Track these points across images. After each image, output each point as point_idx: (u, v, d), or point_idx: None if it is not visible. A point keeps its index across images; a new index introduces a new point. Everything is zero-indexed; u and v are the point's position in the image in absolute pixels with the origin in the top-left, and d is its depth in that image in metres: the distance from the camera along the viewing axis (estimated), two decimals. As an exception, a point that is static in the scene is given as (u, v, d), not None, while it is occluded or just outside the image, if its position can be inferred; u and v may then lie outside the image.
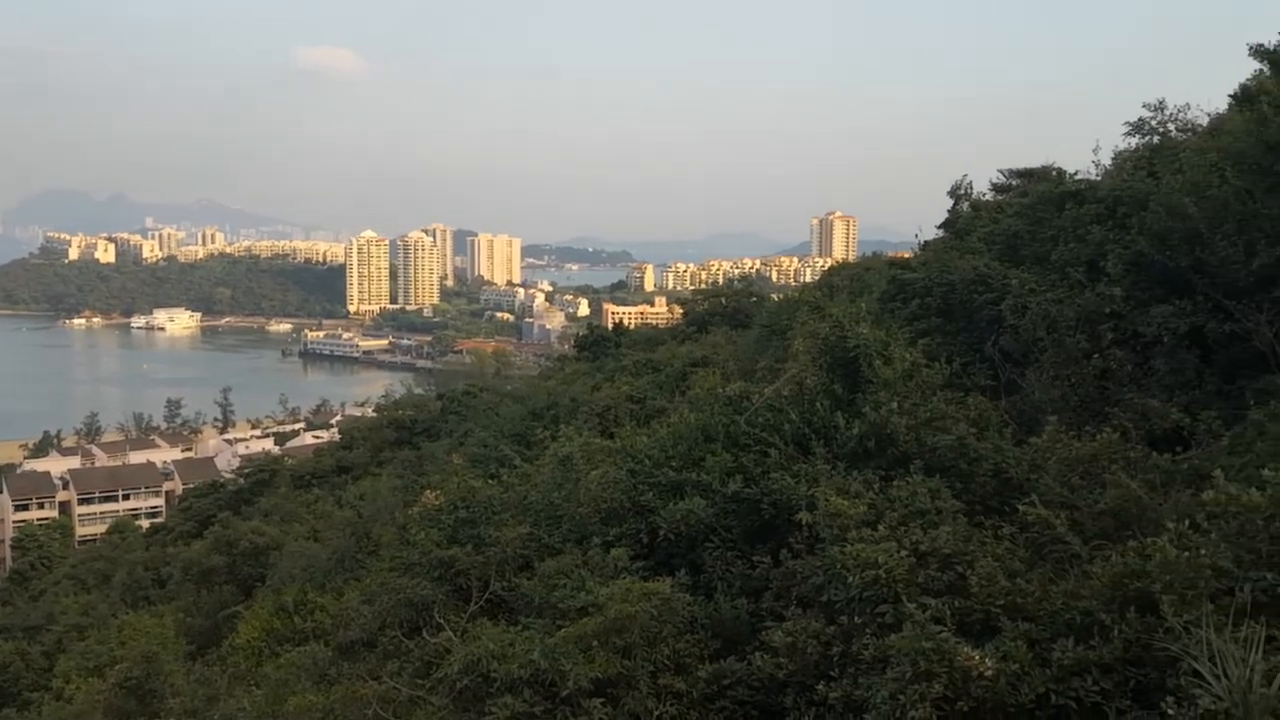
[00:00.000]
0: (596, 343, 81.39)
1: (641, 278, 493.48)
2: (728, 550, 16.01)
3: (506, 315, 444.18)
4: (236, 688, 24.52)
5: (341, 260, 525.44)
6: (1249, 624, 9.92)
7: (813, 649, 12.91)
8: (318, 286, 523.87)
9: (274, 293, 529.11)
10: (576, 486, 18.92)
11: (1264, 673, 9.36)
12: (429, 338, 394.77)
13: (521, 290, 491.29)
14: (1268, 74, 26.42)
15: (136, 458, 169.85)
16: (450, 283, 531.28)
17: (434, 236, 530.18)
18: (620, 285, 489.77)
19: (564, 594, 15.69)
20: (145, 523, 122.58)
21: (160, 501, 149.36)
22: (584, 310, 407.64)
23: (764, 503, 16.03)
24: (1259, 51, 24.48)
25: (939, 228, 38.61)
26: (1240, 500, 12.70)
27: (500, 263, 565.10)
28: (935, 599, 12.31)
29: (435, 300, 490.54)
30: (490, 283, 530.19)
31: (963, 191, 37.52)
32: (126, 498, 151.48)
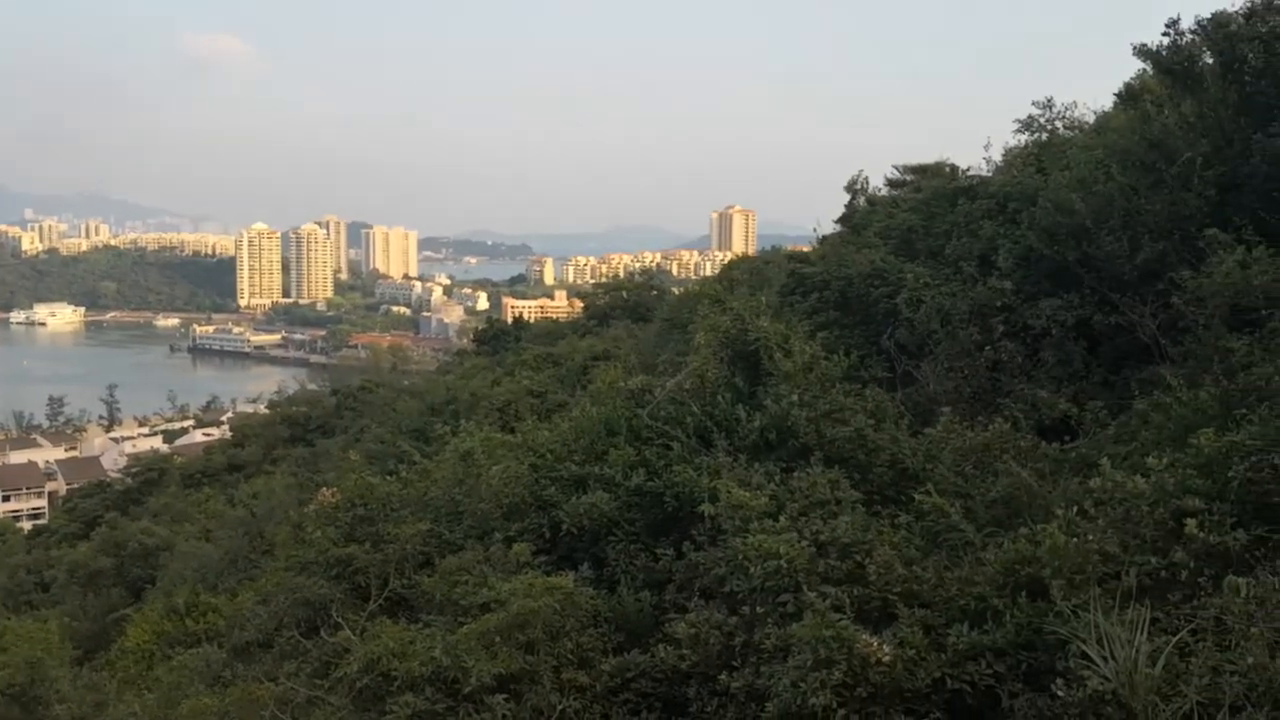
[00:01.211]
0: (496, 337, 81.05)
1: (541, 271, 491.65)
2: (631, 543, 16.03)
3: (403, 309, 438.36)
4: (126, 692, 23.82)
5: (231, 253, 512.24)
6: (1134, 607, 10.23)
7: (715, 640, 12.99)
8: (207, 280, 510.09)
9: (161, 286, 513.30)
10: (477, 482, 18.77)
11: (1149, 654, 9.66)
12: (323, 332, 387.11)
13: (419, 284, 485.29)
14: (1150, 73, 27.32)
15: (17, 458, 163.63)
16: (345, 276, 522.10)
17: (327, 229, 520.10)
18: (520, 279, 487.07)
19: (465, 591, 15.54)
20: (27, 524, 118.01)
21: (43, 502, 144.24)
22: (483, 304, 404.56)
23: (667, 495, 16.08)
24: (1142, 51, 25.27)
25: (836, 222, 39.21)
26: (1125, 487, 13.14)
27: (396, 256, 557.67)
28: (835, 588, 12.49)
29: (329, 294, 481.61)
30: (386, 276, 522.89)
31: (859, 187, 38.17)
32: (7, 499, 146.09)
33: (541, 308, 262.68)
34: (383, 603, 17.37)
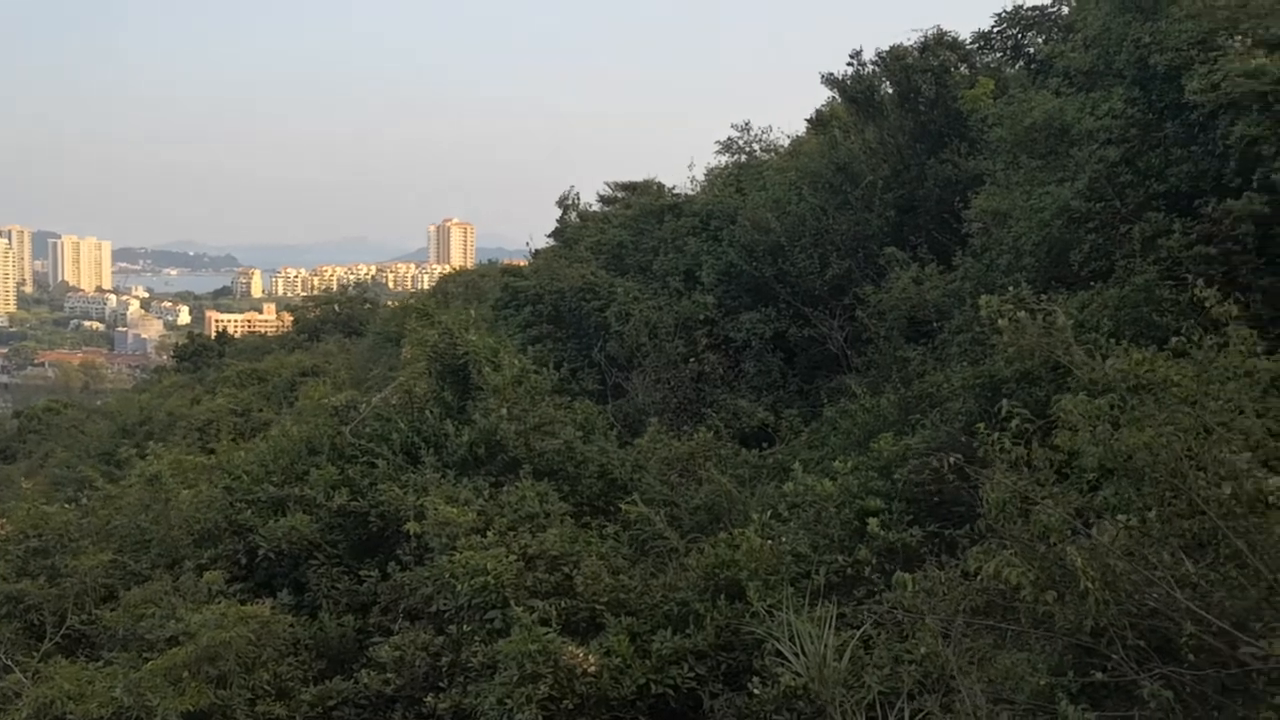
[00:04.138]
0: (198, 352, 76.62)
1: (249, 284, 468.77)
2: (334, 566, 15.45)
3: (96, 324, 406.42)
4: None
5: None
6: (823, 603, 10.71)
7: (421, 661, 12.73)
8: None
9: None
10: (166, 507, 17.58)
11: (836, 648, 10.13)
12: (4, 350, 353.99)
13: (114, 297, 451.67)
14: (838, 100, 29.15)
15: None
16: (29, 289, 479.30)
17: (9, 238, 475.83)
18: (225, 291, 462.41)
19: (152, 623, 14.48)
20: None
21: None
22: (185, 318, 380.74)
23: (372, 515, 15.62)
24: (829, 80, 26.95)
25: (549, 236, 39.56)
26: (815, 490, 13.89)
27: (88, 267, 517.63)
28: (543, 601, 12.51)
29: (12, 308, 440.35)
30: (77, 289, 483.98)
31: (570, 202, 38.65)
32: None
33: (249, 322, 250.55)
34: (59, 641, 15.94)
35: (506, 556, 13.00)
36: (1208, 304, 8.05)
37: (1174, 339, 8.16)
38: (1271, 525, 6.55)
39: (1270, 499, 6.55)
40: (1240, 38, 13.45)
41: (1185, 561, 7.08)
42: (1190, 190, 13.76)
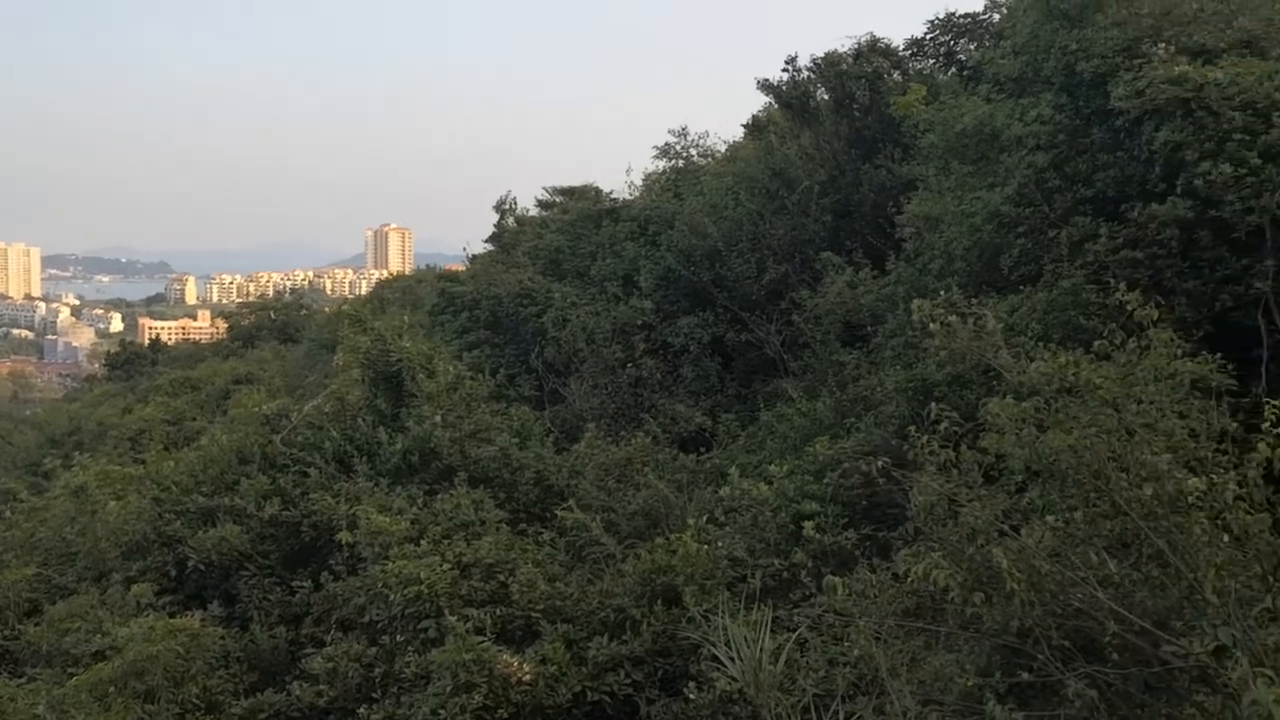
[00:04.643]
0: (130, 360, 75.17)
1: (183, 290, 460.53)
2: (265, 577, 15.25)
3: (25, 332, 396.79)
4: None
5: None
6: (759, 607, 10.70)
7: (354, 672, 12.60)
8: None
9: None
10: (93, 519, 17.22)
11: (771, 651, 10.13)
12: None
13: (43, 304, 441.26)
14: (775, 106, 29.30)
15: None
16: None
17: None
18: (159, 298, 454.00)
19: (78, 638, 14.25)
20: None
21: None
22: (117, 326, 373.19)
23: (304, 525, 15.43)
24: (765, 85, 27.08)
25: (486, 242, 39.30)
26: (751, 494, 13.91)
27: (16, 274, 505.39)
28: (478, 609, 12.42)
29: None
30: (5, 296, 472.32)
31: (508, 207, 38.41)
32: None
33: (183, 329, 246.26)
34: (-21, 659, 15.54)
35: (441, 565, 12.89)
36: (1130, 307, 8.15)
37: (1097, 342, 8.26)
38: (1191, 525, 6.63)
39: (1190, 499, 6.64)
40: (1164, 45, 13.69)
41: (1109, 562, 7.16)
42: (1116, 195, 13.98)
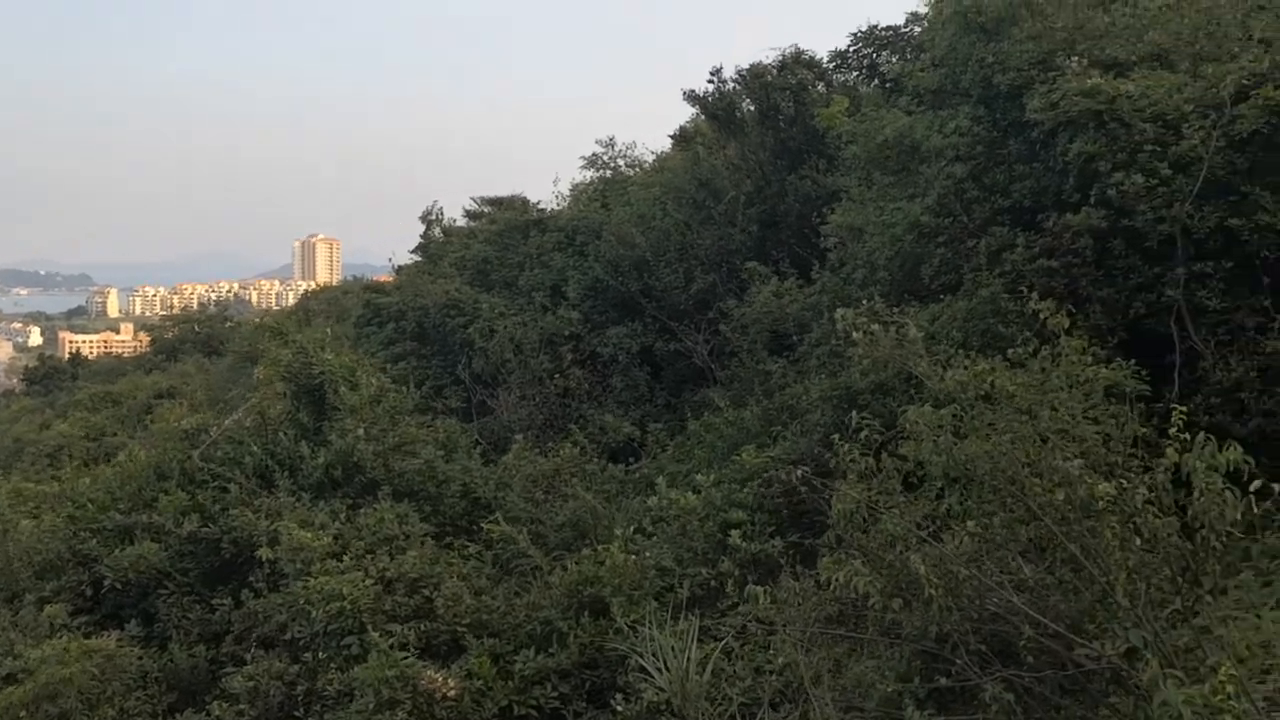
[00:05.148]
0: (49, 375, 73.62)
1: (105, 303, 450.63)
2: (185, 595, 14.91)
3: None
4: None
5: None
6: (687, 617, 10.70)
7: (276, 690, 12.34)
8: None
9: None
10: (5, 539, 16.73)
11: (699, 661, 10.12)
12: None
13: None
14: (701, 117, 29.47)
15: None
16: None
17: None
18: (80, 311, 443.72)
19: (-13, 663, 13.72)
20: None
21: None
22: (36, 340, 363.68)
23: (224, 541, 15.11)
24: (691, 97, 27.23)
25: (413, 252, 39.05)
26: (679, 504, 13.91)
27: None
28: (402, 625, 12.26)
29: None
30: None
31: (435, 217, 38.21)
32: None
33: (105, 342, 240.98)
34: (-119, 688, 14.98)
35: (364, 580, 12.71)
36: (1043, 315, 8.28)
37: (1010, 350, 8.38)
38: (1103, 529, 6.74)
39: (1102, 504, 6.75)
40: (1077, 58, 13.98)
41: (1024, 567, 7.26)
42: (1033, 205, 14.21)
